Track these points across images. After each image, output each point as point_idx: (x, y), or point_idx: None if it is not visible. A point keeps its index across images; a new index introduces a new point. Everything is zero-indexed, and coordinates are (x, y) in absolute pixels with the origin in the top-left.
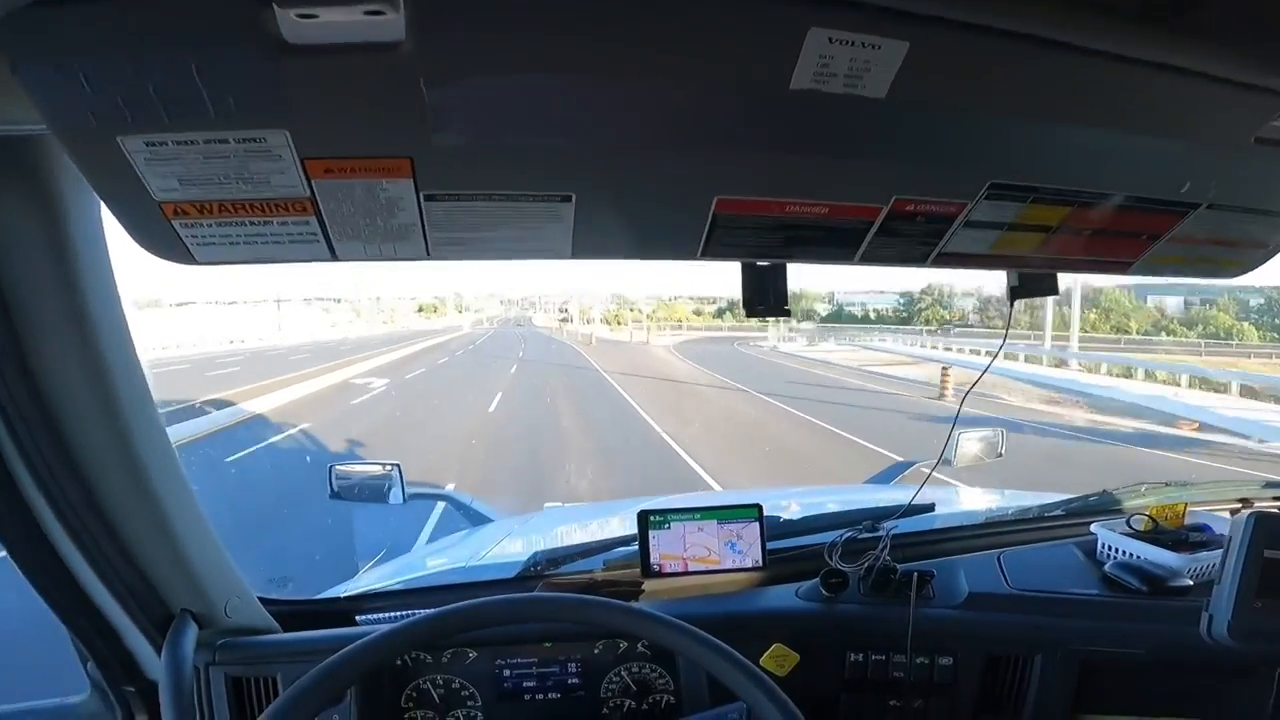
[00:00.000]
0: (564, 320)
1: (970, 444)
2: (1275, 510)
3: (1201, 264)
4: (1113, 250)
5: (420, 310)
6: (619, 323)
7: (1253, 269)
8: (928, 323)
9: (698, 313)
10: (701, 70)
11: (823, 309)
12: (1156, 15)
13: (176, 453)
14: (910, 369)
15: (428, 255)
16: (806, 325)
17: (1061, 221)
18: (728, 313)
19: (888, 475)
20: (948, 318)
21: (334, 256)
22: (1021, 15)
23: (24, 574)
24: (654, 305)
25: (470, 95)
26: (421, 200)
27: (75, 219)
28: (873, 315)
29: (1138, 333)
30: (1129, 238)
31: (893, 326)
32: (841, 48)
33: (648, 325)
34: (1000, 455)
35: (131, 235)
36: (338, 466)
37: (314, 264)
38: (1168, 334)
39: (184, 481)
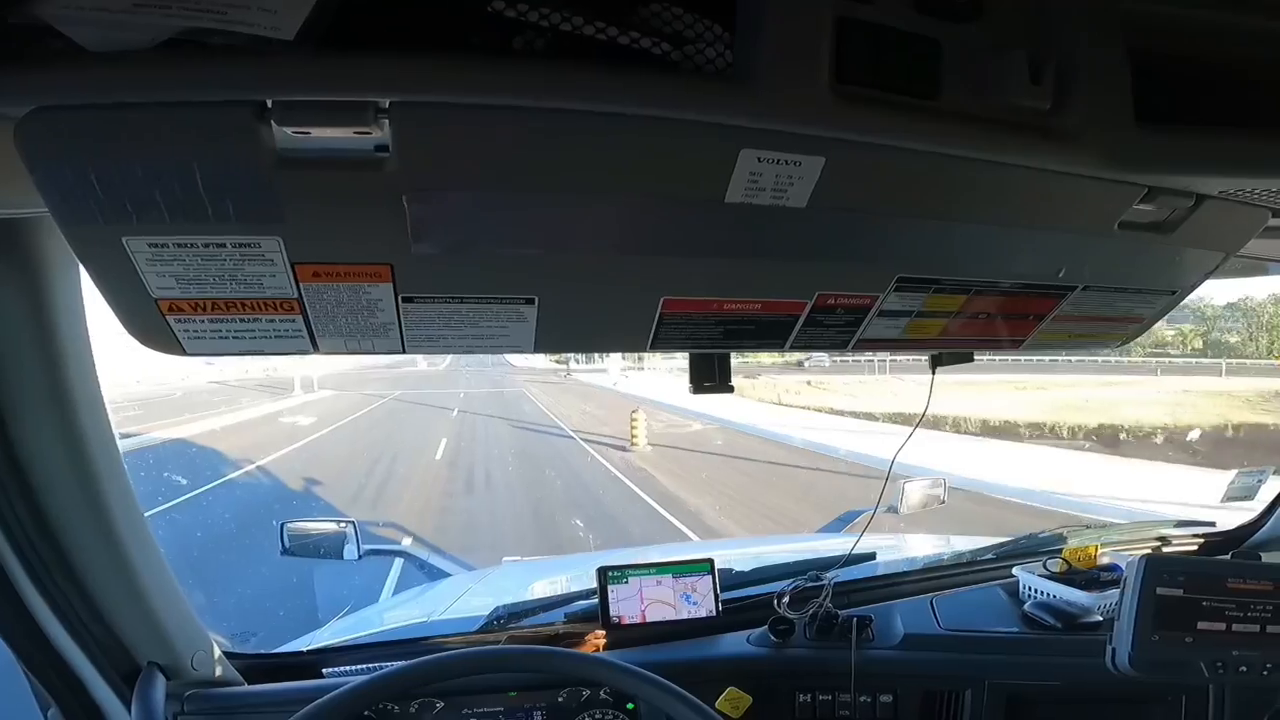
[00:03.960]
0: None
1: (916, 493)
2: (1175, 551)
3: (1086, 339)
4: (1006, 331)
5: None
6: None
7: (1133, 339)
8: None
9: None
10: (649, 187)
11: None
12: (1027, 125)
13: (143, 513)
14: None
15: (403, 350)
16: None
17: (960, 307)
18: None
19: (837, 525)
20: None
21: (316, 350)
22: (916, 135)
23: None
24: None
25: (447, 209)
26: (400, 302)
27: (59, 296)
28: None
29: None
30: (1019, 319)
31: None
32: (768, 165)
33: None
34: (943, 502)
35: (125, 326)
36: (290, 524)
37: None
38: None
39: (151, 540)
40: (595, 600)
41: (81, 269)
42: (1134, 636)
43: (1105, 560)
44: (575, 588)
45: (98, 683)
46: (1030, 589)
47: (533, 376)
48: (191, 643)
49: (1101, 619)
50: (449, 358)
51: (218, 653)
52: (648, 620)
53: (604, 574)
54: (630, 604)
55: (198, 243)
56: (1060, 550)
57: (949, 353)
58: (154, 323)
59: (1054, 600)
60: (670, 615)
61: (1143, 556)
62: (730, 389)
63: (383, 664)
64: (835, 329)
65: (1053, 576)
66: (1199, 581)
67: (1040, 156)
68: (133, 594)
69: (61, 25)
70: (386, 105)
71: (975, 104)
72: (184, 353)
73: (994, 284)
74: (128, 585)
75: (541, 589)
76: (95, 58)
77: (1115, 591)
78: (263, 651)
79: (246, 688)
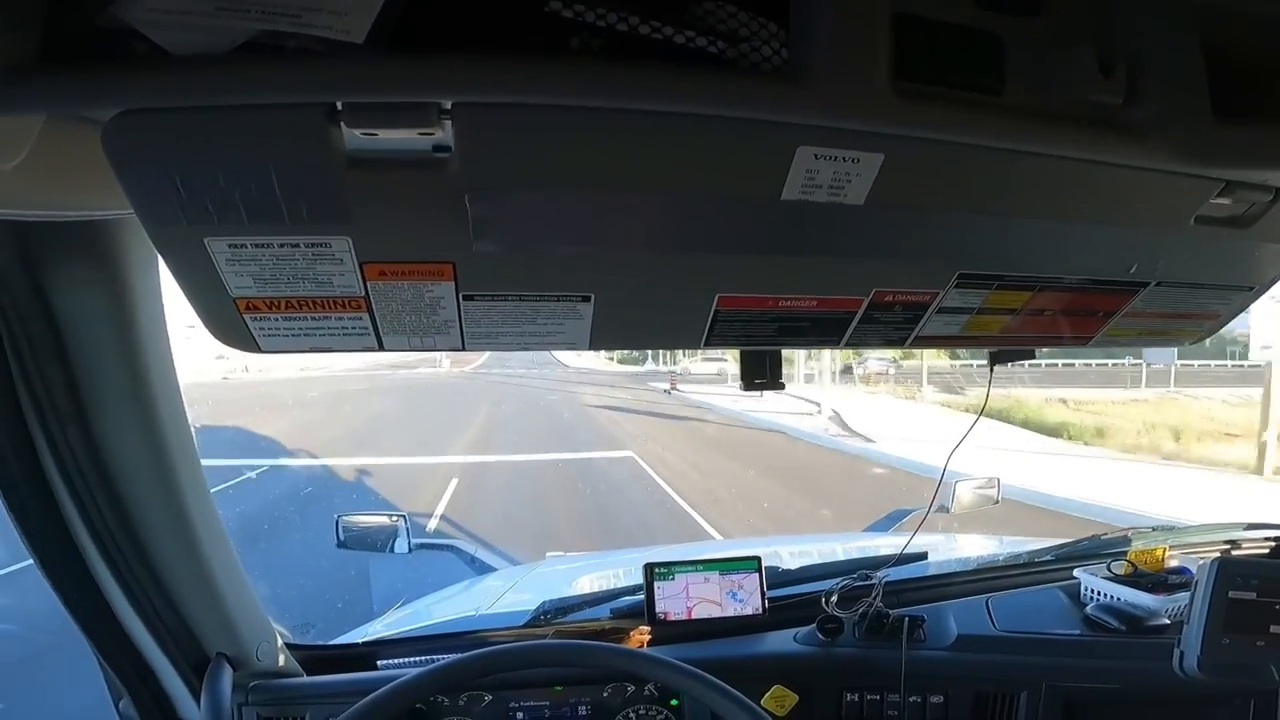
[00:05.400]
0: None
1: (967, 492)
2: (1245, 555)
3: (1157, 335)
4: (1073, 328)
5: None
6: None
7: (1208, 336)
8: None
9: None
10: (706, 185)
11: None
12: (1098, 120)
13: (215, 504)
14: None
15: (463, 347)
16: None
17: (1024, 304)
18: None
19: (885, 524)
20: None
21: (381, 348)
22: (981, 130)
23: (74, 619)
24: None
25: (507, 208)
26: (460, 300)
27: (141, 295)
28: None
29: None
30: (1087, 316)
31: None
32: (826, 163)
33: None
34: (997, 503)
35: (205, 325)
36: (344, 517)
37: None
38: None
39: (223, 533)
40: (640, 596)
41: (161, 268)
42: (1203, 640)
43: (1173, 563)
44: (618, 584)
45: (169, 673)
46: (1093, 591)
47: (609, 392)
48: (257, 633)
49: (1169, 622)
50: (483, 356)
51: (280, 643)
52: (694, 617)
53: (650, 570)
54: (676, 601)
55: (274, 243)
56: (1123, 553)
57: (1007, 350)
58: (232, 321)
59: (1118, 603)
60: (716, 613)
61: (1216, 559)
62: (781, 386)
63: (434, 656)
64: (892, 326)
65: (1117, 579)
66: (1274, 585)
67: (1113, 151)
68: (205, 585)
69: (145, 28)
70: (448, 106)
71: (1042, 99)
72: (259, 350)
73: (1061, 280)
74: (201, 576)
75: (585, 585)
76: (178, 61)
77: (1183, 595)
78: (320, 643)
79: (305, 679)
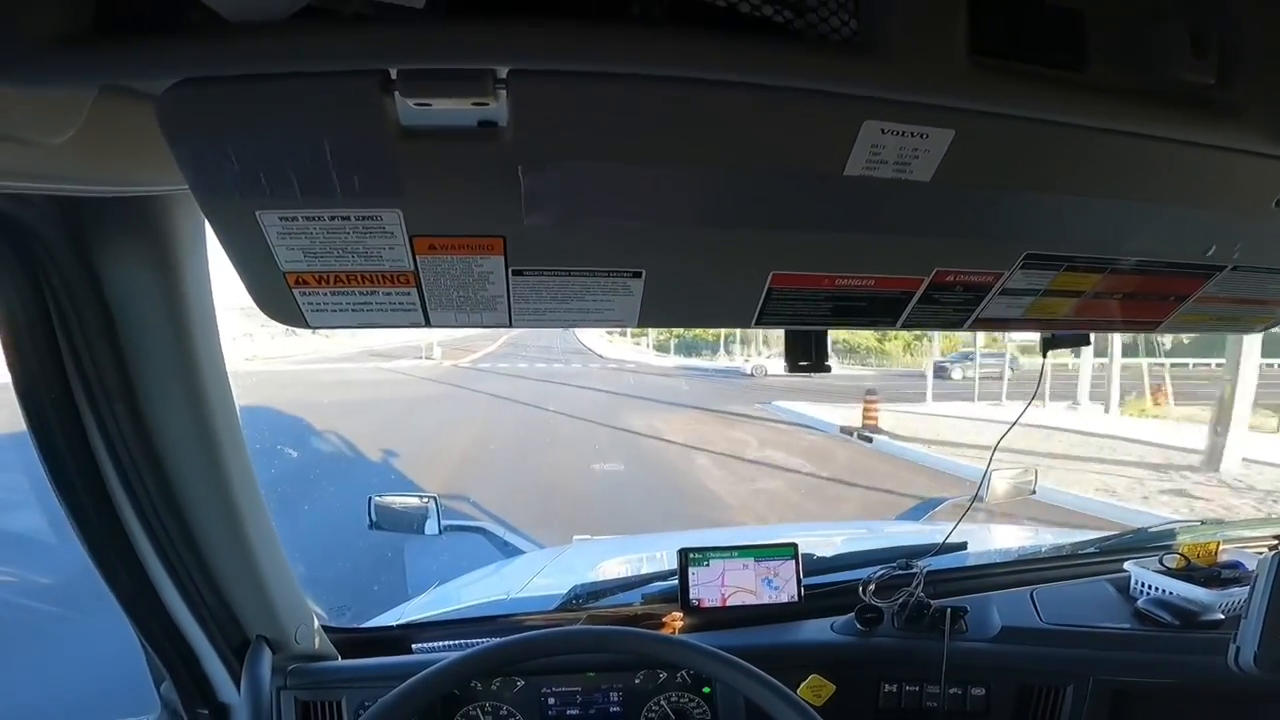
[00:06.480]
0: None
1: (1002, 482)
2: None
3: (1229, 321)
4: (1142, 312)
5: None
6: None
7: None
8: None
9: None
10: (767, 159)
11: None
12: (1188, 100)
13: (258, 484)
14: None
15: (510, 324)
16: None
17: (1093, 287)
18: None
19: (917, 512)
20: None
21: (428, 323)
22: (1063, 108)
23: (120, 602)
24: None
25: (560, 180)
26: (510, 275)
27: (189, 272)
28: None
29: None
30: (1157, 300)
31: None
32: (892, 138)
33: None
34: (1033, 493)
35: (254, 299)
36: (377, 498)
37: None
38: None
39: (266, 516)
40: (673, 581)
41: (210, 246)
42: (1262, 635)
43: (1225, 557)
44: (647, 568)
45: (210, 655)
46: (1143, 584)
47: (711, 430)
48: (296, 616)
49: (1223, 617)
50: (491, 344)
51: (317, 625)
52: (728, 604)
53: (685, 555)
54: (711, 588)
55: (324, 215)
56: (1168, 546)
57: (1063, 335)
58: (281, 296)
59: (1171, 597)
60: (750, 600)
61: (1277, 553)
62: (828, 369)
63: (468, 640)
64: (952, 307)
65: (1170, 572)
66: None
67: (1203, 132)
68: (248, 566)
69: None
70: (503, 75)
71: (1129, 77)
72: (307, 325)
73: (1133, 262)
74: (244, 557)
75: (614, 569)
76: (234, 28)
77: (1237, 589)
78: (355, 625)
79: (342, 662)
